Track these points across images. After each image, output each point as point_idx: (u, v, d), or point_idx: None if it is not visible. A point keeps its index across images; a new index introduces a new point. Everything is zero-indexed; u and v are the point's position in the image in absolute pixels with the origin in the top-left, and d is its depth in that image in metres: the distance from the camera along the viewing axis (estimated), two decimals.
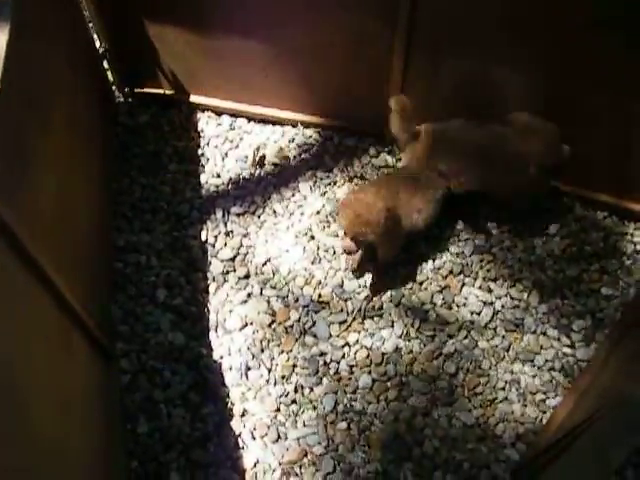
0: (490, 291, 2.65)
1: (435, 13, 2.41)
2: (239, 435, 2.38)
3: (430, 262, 2.70)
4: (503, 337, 2.57)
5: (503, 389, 2.48)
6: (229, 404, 2.43)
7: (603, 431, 1.42)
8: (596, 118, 2.53)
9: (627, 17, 2.20)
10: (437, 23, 2.44)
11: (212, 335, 2.56)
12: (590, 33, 2.26)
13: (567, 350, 2.55)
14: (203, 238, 2.76)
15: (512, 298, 2.64)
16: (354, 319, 2.57)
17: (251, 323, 2.57)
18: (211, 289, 2.65)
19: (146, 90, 3.12)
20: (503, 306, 2.62)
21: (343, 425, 2.39)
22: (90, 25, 2.83)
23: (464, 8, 2.36)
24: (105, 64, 3.00)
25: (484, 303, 2.62)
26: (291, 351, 2.52)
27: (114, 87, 3.13)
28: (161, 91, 3.11)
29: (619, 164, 2.65)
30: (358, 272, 2.67)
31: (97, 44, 2.92)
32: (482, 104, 2.65)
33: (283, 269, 2.68)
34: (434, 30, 2.47)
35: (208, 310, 2.61)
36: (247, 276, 2.67)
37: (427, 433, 2.38)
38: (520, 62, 2.46)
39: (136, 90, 3.13)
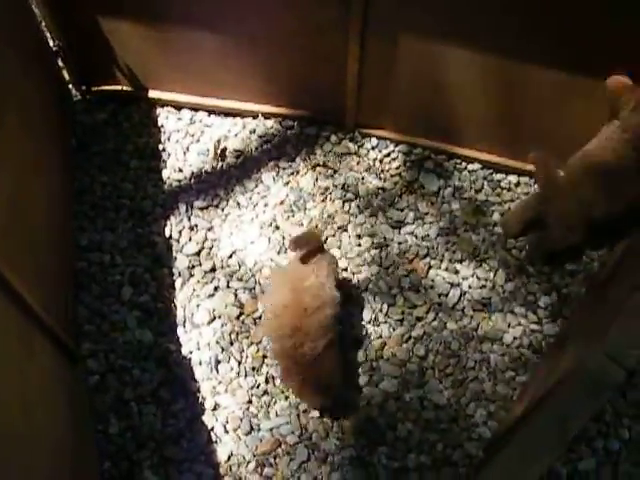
0: (456, 272, 2.66)
1: None
2: (212, 429, 2.37)
3: (396, 246, 2.70)
4: (471, 317, 2.58)
5: (473, 369, 2.49)
6: (200, 399, 2.42)
7: (563, 399, 1.43)
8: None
9: None
10: (391, 7, 2.43)
11: (180, 331, 2.54)
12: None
13: (534, 327, 2.57)
14: (167, 234, 2.74)
15: (478, 278, 2.65)
16: None
17: (219, 316, 2.56)
18: (177, 284, 2.63)
19: (103, 87, 3.08)
20: (470, 287, 2.64)
21: (315, 413, 2.39)
22: (42, 23, 2.78)
23: None
24: (60, 62, 2.95)
25: (451, 285, 2.63)
26: (260, 342, 2.51)
27: (70, 86, 3.07)
28: (119, 88, 3.07)
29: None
30: None
31: (50, 43, 2.87)
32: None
33: (249, 261, 2.67)
34: (389, 15, 2.45)
35: (175, 306, 2.59)
36: (213, 269, 2.66)
37: (400, 416, 2.39)
38: (475, 38, 2.46)
39: (93, 88, 3.09)
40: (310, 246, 2.32)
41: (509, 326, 2.58)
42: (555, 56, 2.40)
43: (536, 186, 2.81)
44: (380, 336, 2.53)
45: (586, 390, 1.41)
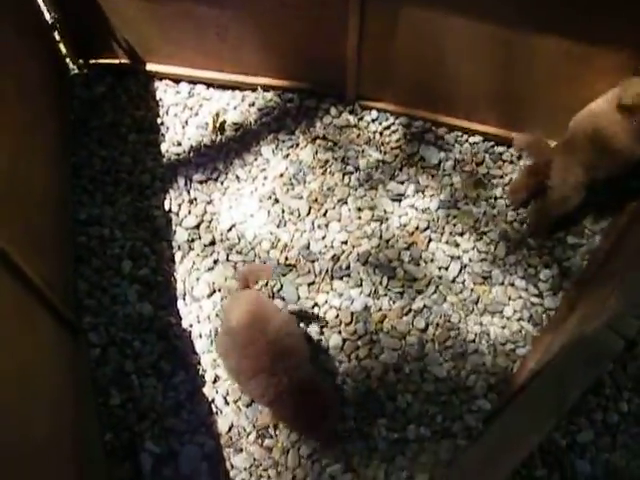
0: (457, 245, 2.66)
1: None
2: (212, 401, 2.38)
3: (396, 219, 2.69)
4: (471, 290, 2.58)
5: (473, 341, 2.49)
6: (200, 371, 2.42)
7: (563, 368, 1.43)
8: None
9: None
10: None
11: (180, 304, 2.54)
12: None
13: (535, 300, 2.57)
14: (166, 207, 2.73)
15: (479, 251, 2.65)
16: (322, 280, 2.57)
17: (219, 289, 2.56)
18: (177, 258, 2.62)
19: (101, 61, 3.06)
20: (470, 260, 2.63)
21: None
22: None
23: None
24: (56, 36, 2.92)
25: (451, 258, 2.63)
26: None
27: (67, 59, 3.05)
28: (116, 61, 3.04)
29: None
30: None
31: (46, 16, 2.83)
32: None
33: (248, 234, 2.66)
34: None
35: (175, 279, 2.59)
36: (213, 243, 2.65)
37: (399, 388, 2.40)
38: (477, 8, 2.42)
39: (91, 61, 3.06)
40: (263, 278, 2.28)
41: (509, 299, 2.57)
42: (559, 26, 2.36)
43: None
44: (380, 309, 2.52)
45: (586, 359, 1.41)
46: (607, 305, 1.47)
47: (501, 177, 2.80)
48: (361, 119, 2.92)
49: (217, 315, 2.51)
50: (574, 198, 2.52)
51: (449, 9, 2.44)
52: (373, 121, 2.91)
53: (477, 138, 2.87)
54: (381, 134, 2.88)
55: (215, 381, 2.41)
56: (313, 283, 2.56)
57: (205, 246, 2.65)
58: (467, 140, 2.88)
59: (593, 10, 2.26)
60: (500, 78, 2.65)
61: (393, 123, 2.90)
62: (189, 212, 2.72)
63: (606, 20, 2.28)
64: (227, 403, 2.37)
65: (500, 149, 2.87)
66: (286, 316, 2.19)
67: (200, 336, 2.48)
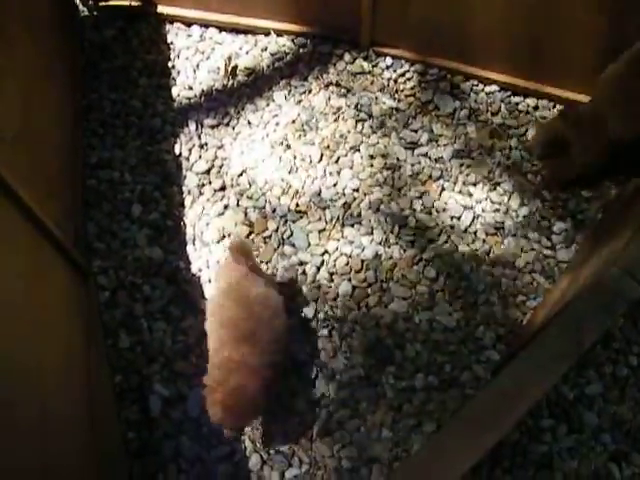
0: (470, 195, 2.62)
1: None
2: None
3: (409, 167, 2.66)
4: (484, 241, 2.55)
5: (484, 292, 2.48)
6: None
7: (578, 312, 1.41)
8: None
9: None
10: None
11: (190, 248, 2.53)
12: None
13: (548, 252, 2.54)
14: (177, 152, 2.70)
15: (492, 202, 2.61)
16: (333, 227, 2.55)
17: (229, 235, 2.54)
18: (187, 203, 2.61)
19: (111, 3, 3.00)
20: (483, 210, 2.60)
21: (324, 332, 2.39)
22: None
23: None
24: None
25: (464, 207, 2.59)
26: (270, 261, 2.50)
27: (77, 1, 2.99)
28: (127, 3, 2.98)
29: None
30: None
31: None
32: None
33: (259, 180, 2.64)
34: None
35: (185, 224, 2.57)
36: (223, 188, 2.63)
37: (408, 337, 2.39)
38: None
39: (101, 3, 3.01)
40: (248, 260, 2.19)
41: (522, 251, 2.54)
42: None
43: (556, 109, 2.74)
44: (391, 257, 2.50)
45: (602, 304, 1.39)
46: (625, 252, 1.45)
47: (517, 128, 2.75)
48: (375, 66, 2.86)
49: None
50: (596, 165, 2.47)
51: None
52: (387, 68, 2.86)
53: (493, 87, 2.82)
54: (395, 81, 2.83)
55: None
56: (324, 230, 2.54)
57: (215, 191, 2.63)
58: (483, 89, 2.83)
59: None
60: (517, 26, 2.58)
61: (408, 70, 2.85)
62: (200, 157, 2.69)
63: None
64: None
65: (516, 99, 2.81)
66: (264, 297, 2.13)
67: (209, 281, 2.47)
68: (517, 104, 2.81)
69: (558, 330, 1.40)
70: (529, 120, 2.77)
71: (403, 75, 2.84)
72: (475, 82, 2.83)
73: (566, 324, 1.40)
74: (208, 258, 2.51)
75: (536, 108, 2.80)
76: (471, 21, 2.62)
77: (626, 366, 2.38)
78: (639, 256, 1.43)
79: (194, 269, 2.49)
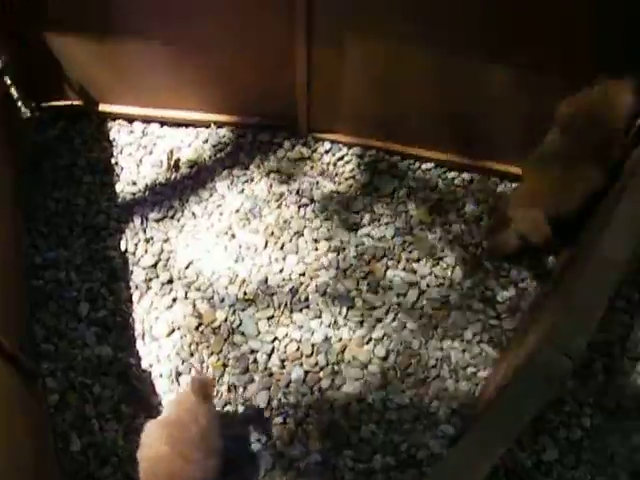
0: (414, 272, 2.68)
1: (331, 1, 2.40)
2: None
3: (352, 249, 2.71)
4: (430, 316, 2.59)
5: (435, 367, 2.50)
6: (162, 412, 2.39)
7: (516, 393, 1.45)
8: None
9: None
10: (334, 12, 2.44)
11: (139, 344, 2.52)
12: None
13: (494, 322, 2.59)
14: (123, 248, 2.72)
15: (436, 276, 2.67)
16: (282, 313, 2.57)
17: (178, 328, 2.54)
18: (135, 298, 2.61)
19: (54, 103, 3.05)
20: (428, 285, 2.65)
21: (279, 420, 2.38)
22: None
23: None
24: (7, 80, 2.92)
25: (409, 284, 2.64)
26: (221, 352, 2.50)
27: (19, 103, 3.04)
28: (69, 103, 3.03)
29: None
30: None
31: None
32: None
33: (206, 271, 2.66)
34: (333, 19, 2.46)
35: (133, 319, 2.57)
36: (170, 281, 2.64)
37: (363, 418, 2.39)
38: (424, 39, 2.46)
39: (43, 104, 3.05)
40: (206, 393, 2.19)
41: (468, 322, 2.59)
42: (504, 56, 2.42)
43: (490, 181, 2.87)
44: (340, 339, 2.53)
45: (536, 383, 1.43)
46: (554, 326, 1.50)
47: (454, 202, 2.84)
48: (314, 151, 2.95)
49: (177, 354, 2.49)
50: (535, 236, 2.56)
51: (395, 41, 2.48)
52: (326, 152, 2.94)
53: (429, 165, 2.92)
54: (335, 165, 2.92)
55: None
56: (273, 317, 2.56)
57: (163, 284, 2.64)
58: (420, 167, 2.92)
59: (530, 39, 2.33)
60: (450, 106, 2.70)
61: (346, 154, 2.94)
62: (146, 251, 2.71)
63: (541, 50, 2.35)
64: None
65: (452, 174, 2.91)
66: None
67: (161, 376, 2.46)
68: (453, 179, 2.91)
69: (498, 411, 1.43)
70: (466, 194, 2.86)
71: (342, 159, 2.93)
72: (412, 161, 2.93)
73: (505, 405, 1.43)
74: (158, 353, 2.50)
75: (471, 182, 2.90)
76: (404, 103, 2.73)
77: (580, 428, 2.42)
78: (566, 330, 1.48)
79: (145, 365, 2.48)
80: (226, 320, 2.55)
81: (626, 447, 2.39)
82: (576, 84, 2.38)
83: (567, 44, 2.30)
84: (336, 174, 2.90)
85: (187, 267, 2.67)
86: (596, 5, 2.18)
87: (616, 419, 2.43)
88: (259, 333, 2.53)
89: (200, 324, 2.55)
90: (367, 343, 2.53)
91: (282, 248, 2.70)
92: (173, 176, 2.90)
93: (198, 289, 2.62)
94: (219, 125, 3.01)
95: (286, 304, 2.58)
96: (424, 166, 2.92)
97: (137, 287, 2.63)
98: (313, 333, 2.53)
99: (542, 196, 2.49)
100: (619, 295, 2.66)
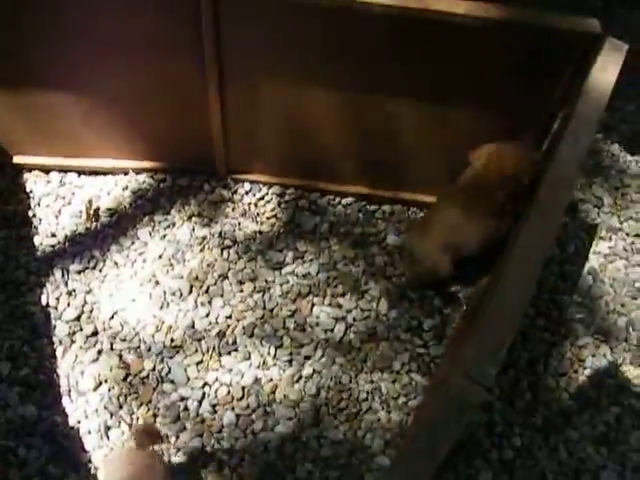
0: (340, 306, 2.71)
1: (240, 46, 2.44)
2: None
3: (278, 288, 2.72)
4: (359, 349, 2.62)
5: (366, 399, 2.53)
6: (93, 469, 2.33)
7: (430, 424, 1.48)
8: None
9: None
10: (243, 57, 2.48)
11: (65, 401, 2.45)
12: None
13: (421, 350, 2.64)
14: (44, 302, 2.65)
15: (362, 310, 2.71)
16: (210, 358, 2.55)
17: (105, 381, 2.49)
18: (58, 353, 2.55)
19: None
20: (354, 319, 2.68)
21: (213, 467, 2.35)
22: None
23: (267, 38, 2.41)
24: None
25: (335, 319, 2.67)
26: (150, 402, 2.46)
27: None
28: None
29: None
30: None
31: None
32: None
33: (131, 320, 2.63)
34: (243, 64, 2.50)
35: (58, 375, 2.50)
36: (95, 333, 2.60)
37: (298, 457, 2.39)
38: (332, 80, 2.52)
39: None
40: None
41: (396, 353, 2.63)
42: (410, 92, 2.50)
43: (410, 212, 2.93)
44: (271, 379, 2.53)
45: (450, 414, 1.46)
46: (464, 357, 1.54)
47: (376, 235, 2.90)
48: (235, 192, 2.97)
49: (105, 407, 2.44)
50: (440, 271, 2.63)
51: (305, 83, 2.53)
52: (247, 193, 2.97)
53: (349, 199, 2.98)
54: (256, 205, 2.94)
55: None
56: (201, 362, 2.54)
57: (87, 337, 2.59)
58: (340, 202, 2.98)
59: (440, 79, 2.42)
60: (363, 142, 2.76)
61: (267, 193, 2.97)
62: (68, 304, 2.66)
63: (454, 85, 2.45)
64: None
65: (372, 207, 2.98)
66: None
67: (89, 432, 2.40)
68: (374, 212, 2.97)
69: (415, 443, 1.46)
70: (387, 226, 2.92)
71: (262, 198, 2.95)
72: (332, 196, 2.98)
73: (421, 437, 1.46)
74: (85, 408, 2.44)
75: (392, 214, 2.97)
76: (319, 141, 2.78)
77: (511, 448, 2.47)
78: (478, 360, 1.52)
79: (72, 422, 2.41)
80: (154, 369, 2.52)
81: (555, 461, 2.46)
82: (482, 114, 2.51)
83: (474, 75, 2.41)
84: (257, 214, 2.92)
85: (112, 317, 2.63)
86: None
87: (544, 435, 2.50)
88: (188, 380, 2.51)
89: (128, 375, 2.51)
90: (297, 381, 2.53)
91: (207, 292, 2.69)
92: (93, 226, 2.86)
93: (124, 339, 2.59)
94: (137, 171, 3.00)
95: (214, 348, 2.57)
96: (344, 201, 2.98)
97: (60, 342, 2.57)
98: (243, 375, 2.52)
99: (434, 228, 2.61)
100: (539, 313, 2.76)
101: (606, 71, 2.14)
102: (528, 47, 2.28)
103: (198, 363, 2.54)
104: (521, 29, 2.23)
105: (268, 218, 2.90)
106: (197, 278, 2.72)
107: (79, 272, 2.74)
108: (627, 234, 3.03)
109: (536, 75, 2.36)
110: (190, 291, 2.69)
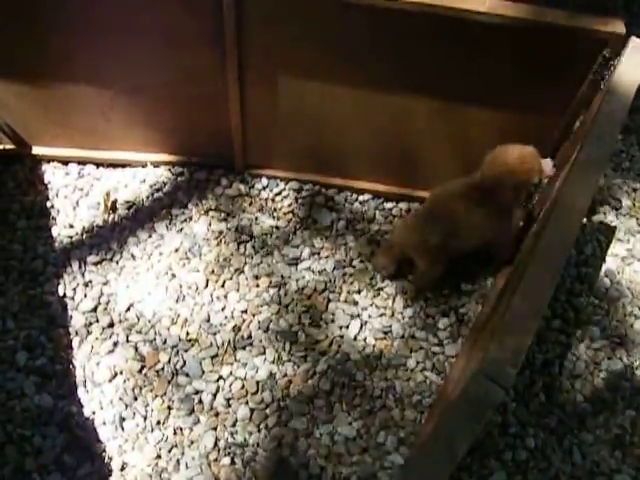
0: (355, 303, 2.70)
1: (260, 42, 2.44)
2: None
3: (293, 283, 2.72)
4: (374, 346, 2.62)
5: (380, 397, 2.52)
6: (107, 459, 2.35)
7: (449, 422, 1.48)
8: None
9: None
10: (263, 49, 2.47)
11: (81, 391, 2.47)
12: None
13: (436, 349, 2.64)
14: (61, 293, 2.67)
15: (377, 307, 2.70)
16: (225, 352, 2.56)
17: (120, 372, 2.51)
18: (75, 344, 2.56)
19: None
20: (370, 316, 2.68)
21: (227, 460, 2.36)
22: None
23: (288, 35, 2.40)
24: None
25: (351, 316, 2.67)
26: (165, 394, 2.47)
27: None
28: (1, 147, 2.99)
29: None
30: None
31: None
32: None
33: (147, 312, 2.64)
34: (263, 56, 2.50)
35: (74, 366, 2.52)
36: (111, 325, 2.61)
37: (311, 453, 2.39)
38: (354, 73, 2.51)
39: None
40: None
41: (411, 351, 2.63)
42: (433, 87, 2.49)
43: None
44: (285, 375, 2.53)
45: (468, 412, 1.46)
46: (485, 356, 1.53)
47: (392, 232, 2.89)
48: (252, 187, 2.97)
49: (120, 399, 2.45)
50: (435, 271, 2.64)
51: (326, 76, 2.52)
52: (264, 188, 2.97)
53: (366, 196, 2.97)
54: (273, 200, 2.94)
55: (123, 468, 2.34)
56: (216, 356, 2.55)
57: (104, 329, 2.60)
58: (357, 199, 2.97)
59: (458, 75, 2.41)
60: (383, 137, 2.75)
61: (284, 189, 2.97)
62: (85, 295, 2.67)
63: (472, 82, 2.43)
64: None
65: (389, 205, 2.97)
66: None
67: (104, 423, 2.41)
68: (391, 209, 2.96)
69: (433, 442, 1.46)
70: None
71: (279, 194, 2.95)
72: (349, 193, 2.98)
73: (439, 436, 1.46)
74: (101, 399, 2.45)
75: (409, 211, 2.96)
76: (338, 138, 2.78)
77: (524, 449, 2.46)
78: (498, 359, 1.52)
79: (87, 412, 2.43)
80: (169, 361, 2.53)
81: (568, 464, 2.45)
82: (500, 114, 2.49)
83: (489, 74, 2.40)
84: (274, 209, 2.92)
85: (128, 310, 2.64)
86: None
87: (558, 437, 2.49)
88: (203, 373, 2.51)
89: (143, 367, 2.52)
90: (311, 377, 2.54)
91: (223, 286, 2.70)
92: (110, 218, 2.88)
93: (140, 331, 2.60)
94: (155, 165, 3.00)
95: (229, 342, 2.57)
96: (361, 198, 2.97)
97: (77, 332, 2.58)
98: (257, 370, 2.53)
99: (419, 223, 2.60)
100: (555, 315, 2.74)
101: (630, 72, 2.12)
102: (550, 47, 2.26)
103: (213, 357, 2.55)
104: (544, 29, 2.22)
105: (285, 214, 2.90)
106: (213, 272, 2.73)
107: (96, 264, 2.75)
108: None
109: (557, 75, 2.35)
110: (206, 285, 2.70)
